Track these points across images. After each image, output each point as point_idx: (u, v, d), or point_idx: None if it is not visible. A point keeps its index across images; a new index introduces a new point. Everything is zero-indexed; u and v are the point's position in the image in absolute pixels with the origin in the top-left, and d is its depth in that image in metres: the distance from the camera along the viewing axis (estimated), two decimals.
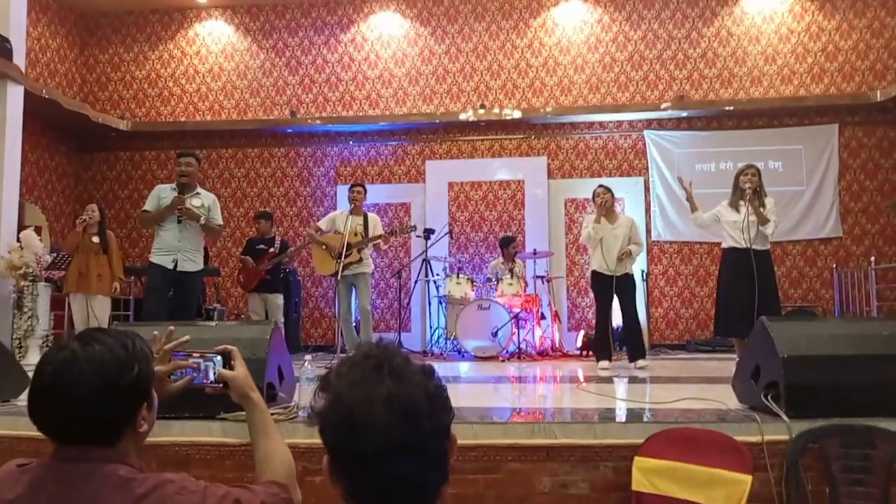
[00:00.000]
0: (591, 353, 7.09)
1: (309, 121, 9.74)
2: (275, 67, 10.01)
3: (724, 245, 5.45)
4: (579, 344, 7.72)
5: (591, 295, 8.98)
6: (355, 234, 6.43)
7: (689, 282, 9.26)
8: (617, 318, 6.09)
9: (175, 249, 5.22)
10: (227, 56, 10.10)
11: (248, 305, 7.77)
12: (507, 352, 7.20)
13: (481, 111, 9.42)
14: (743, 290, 5.07)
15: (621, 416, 3.32)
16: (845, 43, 9.19)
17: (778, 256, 8.74)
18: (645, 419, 3.12)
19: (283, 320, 7.42)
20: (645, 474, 2.67)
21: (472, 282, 7.87)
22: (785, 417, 2.76)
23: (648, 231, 9.06)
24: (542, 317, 7.90)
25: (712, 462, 2.62)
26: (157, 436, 2.70)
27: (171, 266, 5.19)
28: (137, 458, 1.26)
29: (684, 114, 9.34)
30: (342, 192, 8.98)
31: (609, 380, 5.12)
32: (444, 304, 7.94)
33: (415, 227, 7.42)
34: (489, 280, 7.90)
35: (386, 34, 9.88)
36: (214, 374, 1.59)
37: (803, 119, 9.20)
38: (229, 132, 9.95)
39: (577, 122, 9.57)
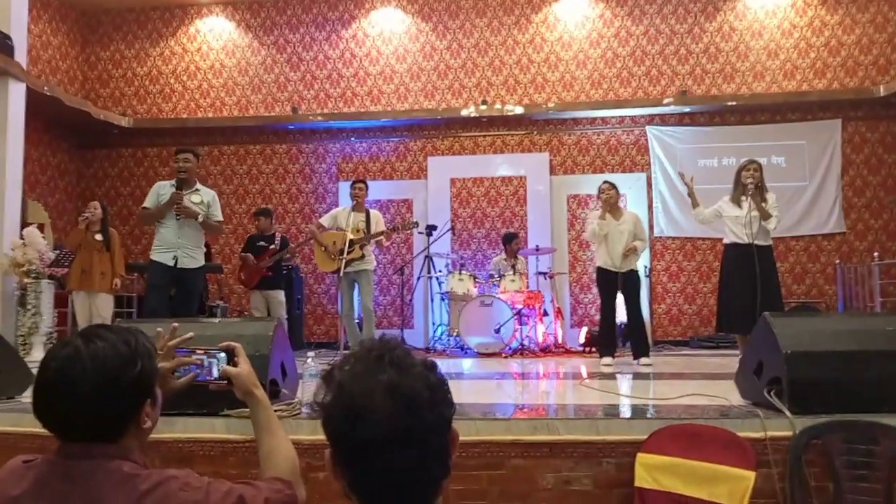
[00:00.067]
0: (593, 349, 7.09)
1: (310, 117, 9.74)
2: (276, 64, 10.01)
3: (725, 241, 5.44)
4: (582, 340, 7.71)
5: (594, 291, 9.03)
6: (357, 231, 6.43)
7: (691, 278, 9.25)
8: (620, 315, 6.09)
9: (175, 246, 5.22)
10: (229, 52, 10.10)
11: (250, 302, 7.77)
12: (509, 348, 7.20)
13: (483, 107, 9.41)
14: (745, 286, 5.06)
15: (624, 412, 3.31)
16: (848, 37, 9.16)
17: (781, 252, 8.74)
18: (648, 415, 3.12)
19: (285, 317, 7.43)
20: (648, 470, 2.67)
21: (475, 278, 7.87)
22: (788, 413, 2.75)
23: (651, 227, 9.04)
24: (545, 313, 7.89)
25: (716, 458, 2.61)
26: (160, 432, 2.71)
27: (171, 263, 5.19)
28: (141, 454, 1.26)
29: (687, 109, 9.32)
30: (344, 188, 8.97)
31: (612, 376, 5.11)
32: (446, 301, 7.94)
33: (417, 224, 7.41)
34: (491, 276, 7.90)
35: (387, 30, 9.86)
36: (218, 370, 1.60)
37: (806, 114, 9.18)
38: (231, 129, 9.96)
39: (579, 117, 9.55)
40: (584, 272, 9.30)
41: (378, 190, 9.12)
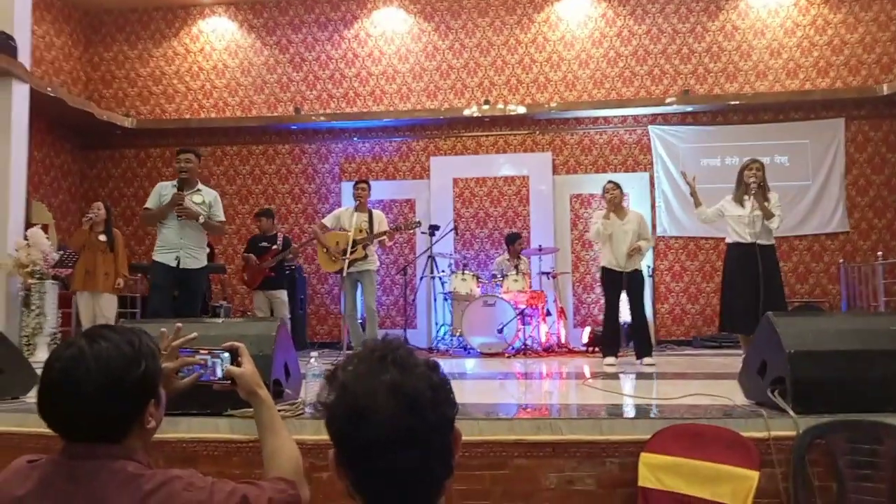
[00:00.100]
0: (597, 349, 7.09)
1: (313, 117, 9.75)
2: (279, 64, 10.02)
3: (728, 240, 5.44)
4: (585, 340, 7.71)
5: (597, 291, 9.05)
6: (360, 231, 6.43)
7: (694, 277, 9.24)
8: (624, 315, 6.08)
9: (177, 247, 5.22)
10: (231, 53, 10.11)
11: (253, 303, 7.78)
12: (512, 348, 7.20)
13: (485, 107, 9.41)
14: (747, 286, 5.06)
15: (627, 412, 3.31)
16: (851, 36, 9.14)
17: (784, 252, 8.72)
18: (651, 415, 3.12)
19: (288, 316, 7.44)
20: (651, 470, 2.67)
21: (478, 278, 7.87)
22: (791, 413, 2.75)
23: (654, 227, 9.04)
24: (548, 313, 7.89)
25: (719, 458, 2.61)
26: (164, 432, 2.71)
27: (173, 264, 5.19)
28: (145, 454, 1.27)
29: (689, 108, 9.31)
30: (347, 188, 8.98)
31: (615, 376, 5.11)
32: (449, 301, 7.94)
33: (419, 223, 7.41)
34: (494, 276, 7.90)
35: (389, 30, 9.87)
36: (222, 370, 1.60)
37: (809, 113, 9.16)
38: (234, 129, 9.97)
39: (581, 117, 9.55)
40: (587, 272, 9.30)
41: (381, 190, 9.13)
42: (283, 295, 7.42)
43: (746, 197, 5.23)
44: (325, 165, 9.94)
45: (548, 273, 8.23)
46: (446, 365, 5.27)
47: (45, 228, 7.64)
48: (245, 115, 9.98)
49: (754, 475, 2.55)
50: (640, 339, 5.93)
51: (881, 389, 2.79)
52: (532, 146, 9.64)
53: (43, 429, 1.24)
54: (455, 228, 8.93)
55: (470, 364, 6.46)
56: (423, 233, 8.28)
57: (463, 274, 7.79)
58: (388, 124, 9.75)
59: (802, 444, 2.68)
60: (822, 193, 9.02)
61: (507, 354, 7.08)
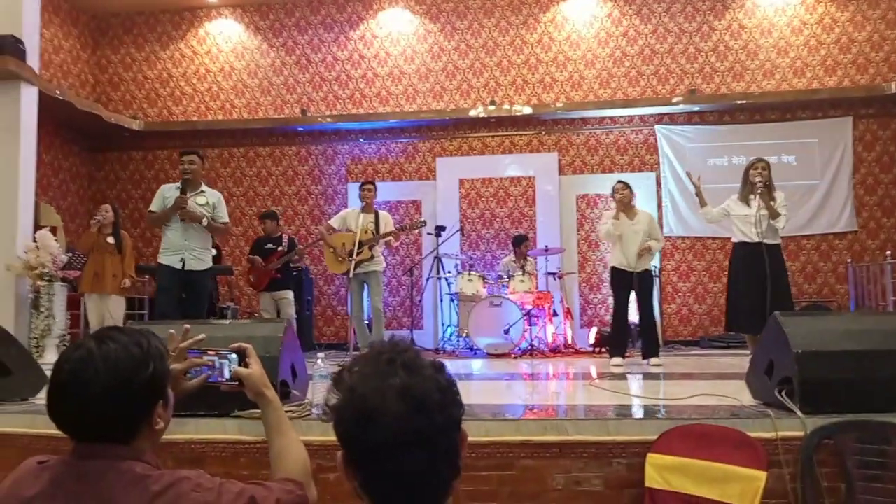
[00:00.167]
0: (603, 349, 7.07)
1: (319, 119, 9.77)
2: (285, 66, 10.05)
3: (734, 240, 5.42)
4: (592, 340, 7.70)
5: (604, 291, 9.04)
6: (366, 232, 6.44)
7: (702, 277, 9.21)
8: (631, 315, 6.07)
9: (182, 248, 5.24)
10: (238, 55, 10.15)
11: (259, 304, 7.80)
12: (519, 349, 7.19)
13: (491, 107, 9.41)
14: (753, 285, 5.04)
15: (634, 412, 3.30)
16: (859, 34, 9.09)
17: (792, 251, 8.69)
18: (658, 416, 3.11)
19: (294, 315, 7.46)
20: (658, 471, 2.67)
21: (484, 279, 7.87)
22: (799, 413, 2.74)
23: (660, 227, 9.01)
24: (555, 313, 7.88)
25: (726, 458, 2.60)
26: (172, 433, 2.72)
27: (179, 266, 5.21)
28: (153, 455, 1.28)
29: (696, 108, 9.29)
30: (353, 189, 9.00)
31: (622, 376, 5.10)
32: (455, 302, 7.94)
33: (424, 223, 7.42)
34: (501, 277, 7.89)
35: (395, 31, 9.88)
36: (230, 371, 1.60)
37: (817, 112, 9.12)
38: (241, 131, 10.00)
39: (587, 117, 9.53)
40: (593, 272, 9.28)
41: (387, 191, 9.14)
42: (289, 295, 7.44)
43: (752, 196, 5.22)
44: (331, 167, 9.96)
45: (554, 273, 8.22)
46: (453, 366, 5.27)
47: (53, 231, 7.68)
48: (252, 117, 10.01)
49: (762, 476, 2.54)
50: (647, 340, 5.91)
51: (890, 389, 2.77)
52: (538, 146, 9.63)
53: (52, 430, 1.25)
54: (461, 229, 8.92)
55: (476, 365, 6.46)
56: (429, 233, 8.29)
57: (469, 275, 7.79)
58: (395, 125, 9.76)
59: (810, 444, 2.67)
60: (830, 193, 8.97)
61: (513, 355, 7.07)
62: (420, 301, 9.05)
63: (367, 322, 6.78)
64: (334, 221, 6.79)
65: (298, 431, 1.65)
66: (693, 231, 9.13)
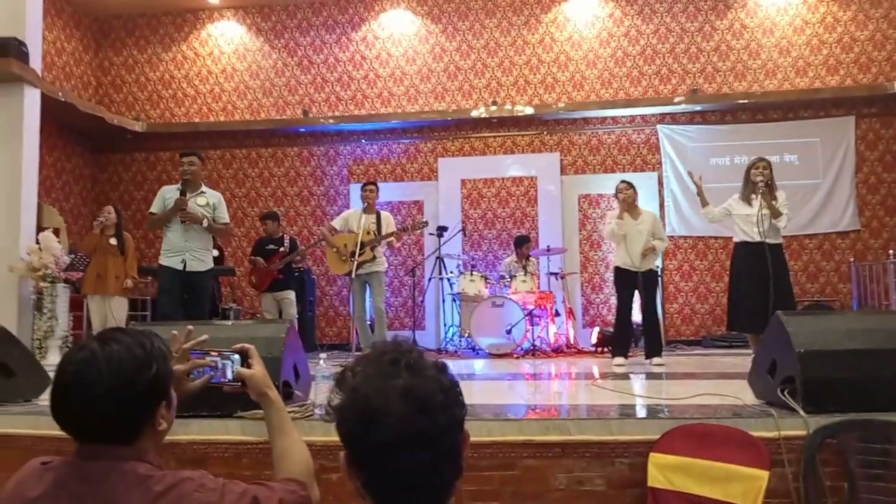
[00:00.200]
0: (606, 349, 7.07)
1: (321, 120, 9.78)
2: (287, 67, 10.06)
3: (735, 239, 5.42)
4: (594, 340, 7.69)
5: (606, 291, 9.04)
6: (368, 233, 6.44)
7: (704, 277, 9.21)
8: (636, 315, 6.07)
9: (182, 250, 5.26)
10: (240, 56, 10.16)
11: (262, 305, 7.81)
12: (521, 349, 7.19)
13: (493, 108, 9.41)
14: (755, 285, 5.04)
15: (637, 412, 3.30)
16: (861, 34, 9.08)
17: (794, 251, 8.68)
18: (661, 415, 3.11)
19: (296, 315, 7.47)
20: (661, 470, 2.67)
21: (486, 279, 7.87)
22: (802, 413, 2.73)
23: (663, 226, 9.02)
24: (557, 313, 7.88)
25: (729, 458, 2.60)
26: (175, 434, 2.72)
27: (180, 267, 5.23)
28: (156, 456, 1.28)
29: (698, 108, 9.28)
30: (355, 190, 9.00)
31: (624, 376, 5.10)
32: (457, 302, 7.94)
33: (426, 223, 7.42)
34: (503, 277, 7.89)
35: (397, 32, 9.89)
36: (232, 372, 1.61)
37: (819, 111, 9.11)
38: (243, 132, 10.01)
39: (589, 117, 9.53)
40: (595, 272, 9.28)
41: (389, 192, 9.14)
42: (290, 295, 7.45)
43: (754, 196, 5.21)
44: (333, 167, 9.97)
45: (556, 273, 8.22)
46: (455, 366, 5.27)
47: (56, 232, 7.69)
48: (254, 118, 10.03)
49: (764, 475, 2.54)
50: (650, 339, 5.91)
51: (893, 389, 2.77)
52: (540, 147, 9.63)
53: (55, 431, 1.26)
54: (463, 229, 8.93)
55: (478, 365, 6.46)
56: (431, 234, 8.29)
57: (471, 275, 7.79)
58: (396, 126, 9.77)
59: (813, 443, 2.67)
60: (833, 192, 8.96)
61: (515, 355, 7.07)
62: (422, 301, 9.05)
63: (369, 322, 6.79)
64: (336, 222, 6.80)
65: (301, 432, 1.65)
66: (695, 231, 9.13)
